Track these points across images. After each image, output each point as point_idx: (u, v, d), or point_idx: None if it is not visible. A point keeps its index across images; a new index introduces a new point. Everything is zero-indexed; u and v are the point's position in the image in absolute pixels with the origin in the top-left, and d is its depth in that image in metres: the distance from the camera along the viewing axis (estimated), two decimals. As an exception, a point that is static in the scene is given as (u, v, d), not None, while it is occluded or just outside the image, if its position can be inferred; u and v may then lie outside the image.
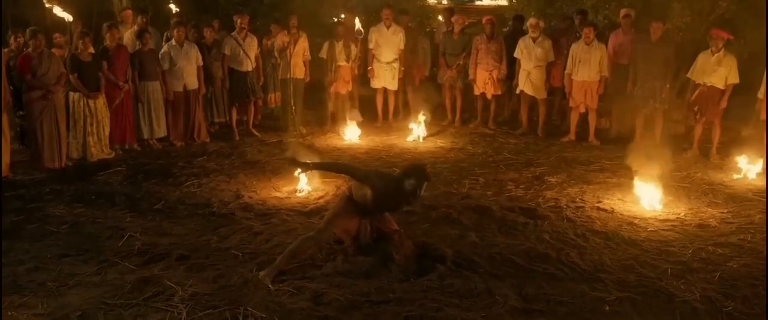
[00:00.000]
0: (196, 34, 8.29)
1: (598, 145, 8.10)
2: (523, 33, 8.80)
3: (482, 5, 17.35)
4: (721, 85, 7.23)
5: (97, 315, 3.52)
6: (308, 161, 4.57)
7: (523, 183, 6.38)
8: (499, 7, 14.73)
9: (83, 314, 3.53)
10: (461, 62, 8.95)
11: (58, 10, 7.29)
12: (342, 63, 8.87)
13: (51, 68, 6.59)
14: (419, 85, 9.47)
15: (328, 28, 10.28)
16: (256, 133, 8.57)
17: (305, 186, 5.95)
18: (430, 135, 8.59)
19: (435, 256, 4.27)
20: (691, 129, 7.89)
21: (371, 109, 9.39)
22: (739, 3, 8.81)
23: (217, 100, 8.71)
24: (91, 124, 7.04)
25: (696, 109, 7.47)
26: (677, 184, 6.28)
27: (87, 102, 6.98)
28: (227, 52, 8.24)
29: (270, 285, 3.82)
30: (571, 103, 8.28)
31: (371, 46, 9.04)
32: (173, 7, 10.64)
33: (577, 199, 5.84)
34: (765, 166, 6.58)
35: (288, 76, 8.46)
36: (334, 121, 8.96)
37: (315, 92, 9.25)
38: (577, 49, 8.02)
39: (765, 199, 5.79)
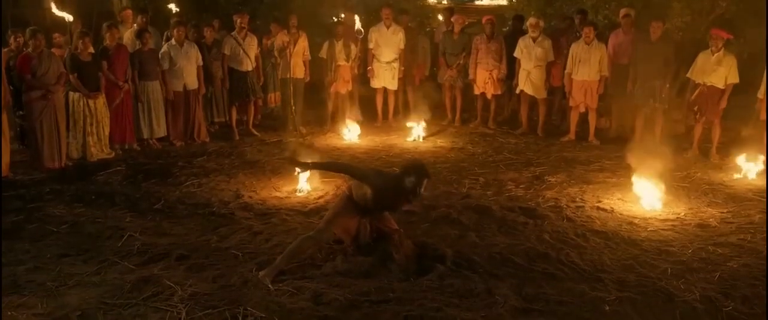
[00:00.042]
0: (195, 33, 8.29)
1: (598, 145, 8.09)
2: (523, 33, 8.80)
3: (482, 5, 17.33)
4: (720, 85, 7.23)
5: (96, 314, 3.52)
6: (308, 160, 4.57)
7: (523, 182, 6.38)
8: (499, 7, 14.72)
9: (83, 314, 3.53)
10: (461, 62, 8.95)
11: (57, 11, 7.28)
12: (342, 62, 8.87)
13: (51, 68, 6.58)
14: (419, 85, 9.47)
15: (327, 27, 10.28)
16: (255, 132, 8.57)
17: (305, 186, 5.95)
18: (430, 135, 8.59)
19: (435, 256, 4.27)
20: (691, 129, 7.89)
21: (371, 108, 9.39)
22: (739, 3, 8.82)
23: (216, 100, 8.71)
24: (91, 124, 7.04)
25: (696, 108, 7.47)
26: (677, 184, 6.28)
27: (87, 102, 6.98)
28: (227, 51, 8.24)
29: (270, 285, 3.82)
30: (571, 103, 8.28)
31: (371, 45, 9.03)
32: (173, 7, 10.62)
33: (577, 199, 5.84)
34: (765, 166, 6.58)
35: (288, 76, 8.46)
36: (334, 120, 8.96)
37: (315, 92, 9.25)
38: (577, 48, 8.02)
39: (765, 199, 5.79)
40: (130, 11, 8.96)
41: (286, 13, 9.10)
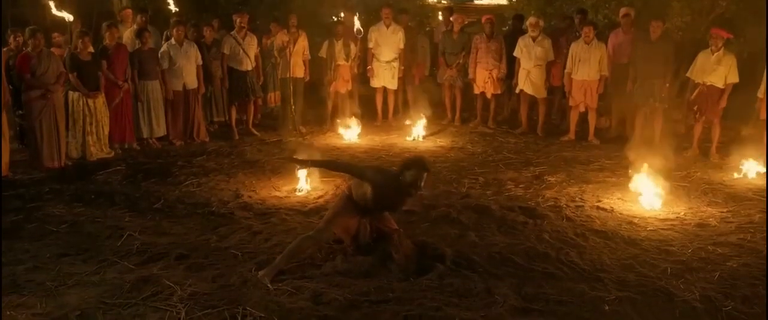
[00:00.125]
0: (195, 33, 8.29)
1: (597, 145, 8.09)
2: (523, 32, 8.80)
3: (482, 4, 17.29)
4: (720, 85, 7.23)
5: (96, 314, 3.51)
6: (308, 158, 4.57)
7: (522, 182, 6.37)
8: (499, 6, 14.70)
9: (82, 314, 3.52)
10: (461, 61, 8.95)
11: (56, 10, 7.28)
12: (341, 62, 8.87)
13: (50, 67, 6.58)
14: (419, 84, 9.47)
15: (327, 27, 10.28)
16: (255, 132, 8.56)
17: (304, 185, 5.94)
18: (429, 134, 8.59)
19: (434, 256, 4.26)
20: (690, 128, 7.89)
21: (371, 108, 9.39)
22: (739, 2, 8.82)
23: (216, 100, 8.71)
24: (91, 124, 7.03)
25: (696, 108, 7.47)
26: (677, 184, 6.27)
27: (86, 101, 6.98)
28: (227, 51, 8.24)
29: (269, 285, 3.82)
30: (571, 102, 8.27)
31: (371, 45, 9.03)
32: (173, 6, 10.62)
33: (577, 198, 5.84)
34: (765, 166, 6.57)
35: (287, 75, 8.46)
36: (334, 120, 8.96)
37: (315, 91, 9.25)
38: (576, 48, 8.02)
39: (765, 199, 5.78)
40: (129, 10, 8.96)
41: (286, 13, 9.10)
